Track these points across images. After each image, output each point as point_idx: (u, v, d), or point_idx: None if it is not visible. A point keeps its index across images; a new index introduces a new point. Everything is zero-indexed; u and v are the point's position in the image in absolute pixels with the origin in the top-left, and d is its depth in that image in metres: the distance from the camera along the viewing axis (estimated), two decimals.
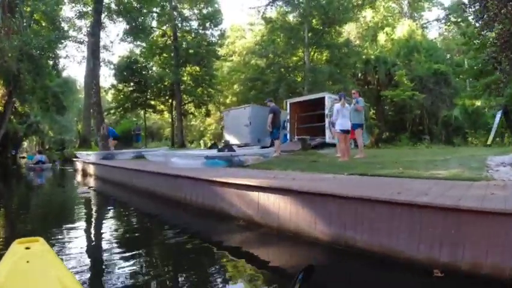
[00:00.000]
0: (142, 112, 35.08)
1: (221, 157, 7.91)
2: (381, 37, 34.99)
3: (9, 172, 19.07)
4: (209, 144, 20.03)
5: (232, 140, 18.93)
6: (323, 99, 16.40)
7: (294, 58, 27.95)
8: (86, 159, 14.19)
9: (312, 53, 24.86)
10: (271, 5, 23.52)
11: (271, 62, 27.73)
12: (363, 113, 10.68)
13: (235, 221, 4.79)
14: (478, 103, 25.79)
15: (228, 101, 39.40)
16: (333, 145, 16.04)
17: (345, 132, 9.57)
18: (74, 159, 16.39)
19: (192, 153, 8.75)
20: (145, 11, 21.19)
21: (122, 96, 30.73)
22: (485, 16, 13.63)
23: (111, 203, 7.73)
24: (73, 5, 19.96)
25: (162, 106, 33.86)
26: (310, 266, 2.12)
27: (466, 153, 9.67)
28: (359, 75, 27.05)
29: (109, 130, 15.70)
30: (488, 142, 14.46)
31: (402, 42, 31.50)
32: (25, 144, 43.91)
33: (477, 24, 14.77)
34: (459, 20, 40.23)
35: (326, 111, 16.00)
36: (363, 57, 27.28)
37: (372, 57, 28.34)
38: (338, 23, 23.63)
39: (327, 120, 15.89)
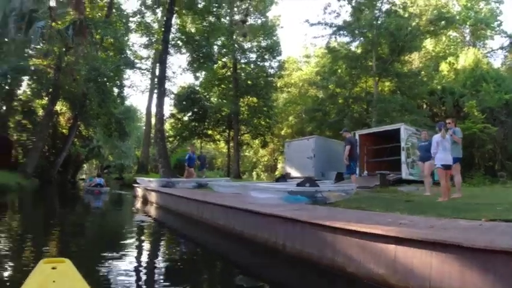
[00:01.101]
0: (199, 141, 35.50)
1: (303, 193, 6.83)
2: (444, 67, 32.95)
3: (67, 193, 19.26)
4: (276, 177, 19.04)
5: (294, 172, 17.94)
6: (398, 130, 14.93)
7: (357, 89, 26.75)
8: (148, 185, 13.67)
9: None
10: (337, 34, 22.69)
11: (332, 92, 26.72)
12: (461, 146, 9.21)
13: (355, 280, 3.61)
14: None
15: (282, 132, 38.70)
16: (410, 182, 14.53)
17: (447, 167, 8.12)
18: (134, 184, 15.97)
19: (271, 187, 7.74)
20: (212, 40, 21.33)
21: (180, 125, 31.10)
22: None
23: (171, 234, 7.19)
24: (141, 33, 20.52)
25: (218, 136, 33.77)
26: None
27: None
28: (424, 106, 25.27)
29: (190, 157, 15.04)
30: None
31: (468, 72, 29.32)
32: (85, 167, 45.77)
33: None
34: None
35: (402, 144, 14.58)
36: (428, 87, 25.57)
37: (438, 87, 26.59)
38: (407, 51, 22.24)
39: (403, 154, 14.47)
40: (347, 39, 24.80)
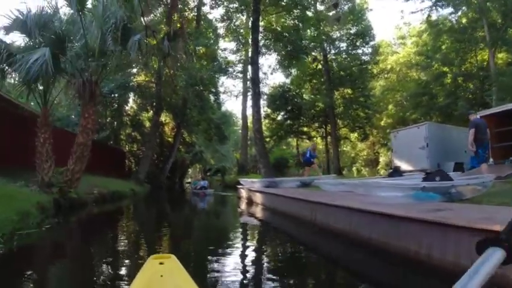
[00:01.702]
0: (295, 139, 35.20)
1: (436, 189, 5.74)
2: None
3: (175, 196, 20.46)
4: (387, 171, 17.57)
5: (404, 165, 16.27)
6: None
7: (466, 65, 23.44)
8: (251, 186, 13.57)
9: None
10: (437, 6, 19.98)
11: (438, 72, 23.88)
12: None
13: None
14: None
15: (382, 123, 36.12)
16: None
17: None
18: (238, 186, 16.13)
19: (398, 184, 6.78)
20: (302, 32, 20.64)
21: (275, 124, 31.05)
22: None
23: (279, 236, 6.68)
24: (230, 38, 20.81)
25: (314, 132, 32.94)
26: None
27: None
28: None
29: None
30: None
31: None
32: (190, 171, 48.90)
33: None
34: None
35: None
36: None
37: None
38: None
39: None
40: (448, 10, 21.96)
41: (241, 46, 22.34)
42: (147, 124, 28.79)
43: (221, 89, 29.48)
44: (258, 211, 10.35)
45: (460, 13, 22.16)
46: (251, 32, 17.71)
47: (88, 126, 9.81)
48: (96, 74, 10.04)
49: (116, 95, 22.17)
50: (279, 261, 4.78)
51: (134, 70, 22.64)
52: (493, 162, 13.81)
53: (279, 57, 23.37)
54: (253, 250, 5.49)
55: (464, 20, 21.51)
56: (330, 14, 21.42)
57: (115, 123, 25.52)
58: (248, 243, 6.12)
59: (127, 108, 28.19)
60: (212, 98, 26.83)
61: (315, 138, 33.95)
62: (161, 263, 2.09)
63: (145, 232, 7.44)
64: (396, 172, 11.50)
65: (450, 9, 22.32)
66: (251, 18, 17.83)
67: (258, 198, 11.28)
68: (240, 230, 7.60)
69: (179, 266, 2.11)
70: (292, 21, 20.61)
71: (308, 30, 22.72)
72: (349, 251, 5.09)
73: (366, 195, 6.78)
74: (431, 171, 14.23)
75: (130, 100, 28.21)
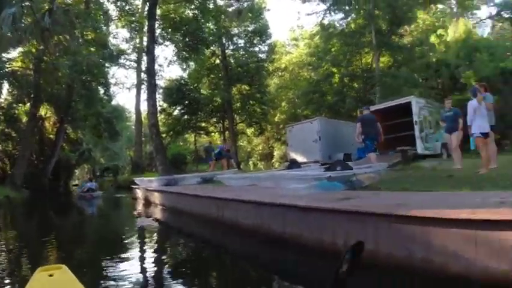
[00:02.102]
0: (193, 135, 34.27)
1: (341, 178, 5.86)
2: (434, 40, 32.21)
3: (60, 201, 18.01)
4: (283, 164, 18.11)
5: (299, 158, 17.01)
6: (408, 104, 14.06)
7: (352, 67, 25.77)
8: (149, 186, 12.53)
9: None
10: (331, 10, 21.51)
11: (328, 72, 25.72)
12: (493, 112, 8.37)
13: (462, 280, 2.72)
14: None
15: (276, 119, 37.68)
16: (425, 157, 13.74)
17: (486, 135, 7.30)
18: (133, 186, 14.79)
19: (302, 175, 6.74)
20: (202, 21, 19.76)
21: (172, 119, 29.77)
22: None
23: (181, 237, 6.22)
24: (123, 23, 18.94)
25: (212, 127, 32.62)
26: (359, 243, 2.09)
27: None
28: (420, 80, 24.58)
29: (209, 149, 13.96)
30: None
31: (460, 43, 28.76)
32: (77, 172, 44.11)
33: None
34: None
35: (415, 118, 13.75)
36: (424, 60, 24.89)
37: (433, 60, 25.94)
38: (405, 22, 21.25)
39: (416, 128, 13.64)
40: (339, 16, 23.89)
41: (136, 33, 20.57)
42: (24, 119, 24.71)
43: (112, 81, 26.90)
44: (158, 212, 9.56)
45: (349, 19, 24.31)
46: (147, 18, 16.38)
47: None
48: None
49: None
50: (183, 263, 4.44)
51: (9, 55, 19.17)
52: (378, 152, 15.34)
53: (177, 49, 22.23)
54: (154, 254, 5.03)
55: (353, 26, 23.46)
56: (230, 9, 21.39)
57: None
58: (147, 247, 5.59)
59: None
60: (101, 89, 24.43)
61: (213, 134, 33.72)
62: (50, 275, 1.96)
63: (27, 244, 6.39)
64: (294, 164, 11.85)
65: (341, 15, 24.40)
66: (147, 4, 16.51)
67: (156, 198, 10.43)
68: (138, 234, 6.84)
69: (71, 277, 2.00)
70: (192, 12, 19.69)
71: (208, 23, 22.04)
72: (261, 246, 4.82)
73: (271, 188, 6.64)
74: (327, 162, 15.18)
75: (4, 91, 23.86)
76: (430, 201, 3.71)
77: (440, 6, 36.76)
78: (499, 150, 9.49)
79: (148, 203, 11.44)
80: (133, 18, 18.88)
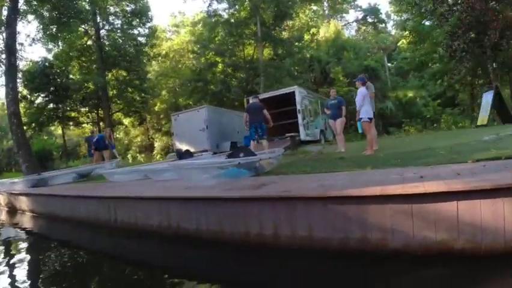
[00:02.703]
0: (60, 127, 29.95)
1: (245, 165, 5.57)
2: (306, 38, 35.19)
3: None
4: (170, 155, 17.04)
5: (185, 147, 16.46)
6: (292, 94, 14.77)
7: (235, 57, 26.06)
8: (12, 189, 10.22)
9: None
10: None
11: (212, 61, 25.43)
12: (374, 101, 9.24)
13: (402, 255, 2.74)
14: (410, 94, 27.26)
15: (156, 108, 35.93)
16: (307, 142, 14.63)
17: (371, 120, 7.96)
18: None
19: (207, 163, 6.18)
20: None
21: (34, 109, 25.42)
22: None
23: (66, 248, 5.01)
24: None
25: (84, 118, 29.01)
26: None
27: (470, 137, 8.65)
28: (295, 73, 26.56)
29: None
30: (484, 122, 14.07)
31: (330, 42, 32.16)
32: None
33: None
34: (375, 20, 43.75)
35: (298, 107, 14.56)
36: (300, 55, 26.88)
37: (307, 55, 28.27)
38: (288, 17, 22.27)
39: (299, 116, 14.47)
40: (224, 5, 23.83)
41: None
42: None
43: None
44: (27, 221, 7.86)
45: (233, 10, 24.38)
46: None
47: None
48: None
49: None
50: (64, 276, 3.74)
51: None
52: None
53: (43, 24, 18.75)
54: (26, 267, 4.18)
55: (238, 16, 23.53)
56: None
57: None
58: (16, 261, 4.47)
59: None
60: None
61: (85, 124, 30.21)
62: None
63: None
64: (186, 154, 11.21)
65: (225, 5, 24.30)
66: None
67: (24, 203, 8.56)
68: (3, 247, 5.51)
69: None
70: None
71: None
72: (169, 248, 4.20)
73: (171, 180, 6.00)
74: (215, 150, 14.97)
75: None
76: (348, 181, 3.69)
77: (314, 7, 40.14)
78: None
79: (13, 210, 9.36)
80: None
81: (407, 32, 23.28)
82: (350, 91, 22.26)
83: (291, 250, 3.26)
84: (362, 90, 7.93)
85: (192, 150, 15.86)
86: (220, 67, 26.30)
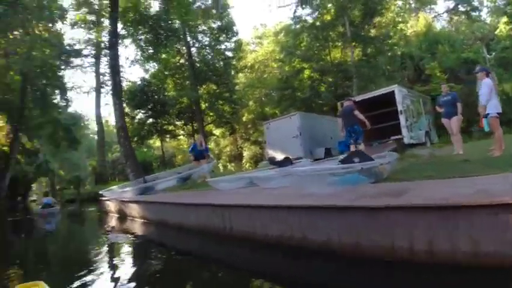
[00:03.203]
0: (158, 140, 32.50)
1: (365, 171, 5.03)
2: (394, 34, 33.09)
3: (17, 219, 15.90)
4: (265, 163, 17.16)
5: (278, 155, 16.23)
6: (392, 93, 13.60)
7: (323, 61, 25.43)
8: (122, 197, 11.05)
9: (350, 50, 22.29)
10: (303, 2, 20.81)
11: (297, 68, 25.20)
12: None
13: None
14: None
15: (244, 119, 36.84)
16: (412, 146, 13.36)
17: (500, 115, 6.80)
18: (102, 198, 13.12)
19: (312, 170, 5.80)
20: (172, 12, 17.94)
21: (136, 124, 27.93)
22: None
23: (174, 255, 5.09)
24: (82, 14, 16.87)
25: (180, 130, 31.11)
26: None
27: None
28: (386, 73, 24.86)
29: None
30: None
31: (421, 36, 29.58)
32: (34, 186, 40.79)
33: None
34: (468, 8, 39.29)
35: (400, 107, 13.33)
36: (392, 53, 25.19)
37: (398, 53, 26.35)
38: (377, 14, 21.04)
39: (402, 118, 13.24)
40: (307, 11, 23.57)
41: (94, 30, 18.51)
42: None
43: (68, 85, 24.65)
44: (137, 227, 8.28)
45: (316, 13, 24.01)
46: (110, 7, 14.81)
47: None
48: None
49: None
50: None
51: None
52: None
53: (139, 47, 20.49)
54: (134, 268, 4.47)
55: (325, 18, 23.01)
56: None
57: None
58: (126, 262, 4.89)
59: None
60: (57, 94, 22.31)
61: (181, 137, 32.27)
62: None
63: None
64: (286, 161, 10.94)
65: (309, 10, 24.05)
66: None
67: (134, 210, 9.07)
68: (113, 249, 5.95)
69: None
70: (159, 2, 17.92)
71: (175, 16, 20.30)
72: (295, 262, 3.83)
73: (277, 188, 5.70)
74: (299, 158, 14.51)
75: None
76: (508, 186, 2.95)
77: (399, 2, 37.82)
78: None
79: (124, 216, 10.04)
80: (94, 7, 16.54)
81: (505, 19, 20.20)
82: (451, 88, 20.09)
83: (448, 266, 2.68)
84: (487, 82, 6.78)
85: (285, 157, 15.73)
86: (307, 73, 25.93)
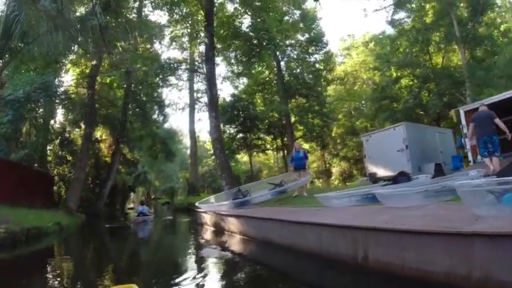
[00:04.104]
0: (246, 155, 32.73)
1: None
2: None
3: (115, 227, 16.61)
4: (367, 178, 15.79)
5: (380, 171, 14.65)
6: None
7: (425, 67, 23.05)
8: (219, 209, 10.55)
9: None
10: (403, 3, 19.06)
11: (395, 76, 23.18)
12: None
13: None
14: None
15: (333, 133, 35.22)
16: None
17: None
18: (198, 210, 12.85)
19: (479, 184, 4.50)
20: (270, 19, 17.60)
21: (227, 138, 28.29)
22: None
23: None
24: (181, 27, 17.32)
25: (268, 145, 30.94)
26: None
27: None
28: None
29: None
30: None
31: None
32: (132, 195, 44.05)
33: None
34: None
35: None
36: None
37: None
38: (488, 9, 18.30)
39: None
40: (402, 14, 21.75)
41: (188, 47, 18.99)
42: (79, 142, 23.57)
43: (165, 102, 26.08)
44: (237, 243, 7.57)
45: (411, 18, 22.05)
46: (206, 22, 15.00)
47: None
48: None
49: (39, 102, 17.01)
50: None
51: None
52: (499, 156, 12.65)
53: (232, 63, 20.67)
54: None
55: (425, 20, 20.95)
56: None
57: (40, 140, 20.39)
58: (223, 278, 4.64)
59: (53, 122, 23.23)
60: (156, 110, 23.52)
61: (269, 151, 32.00)
62: None
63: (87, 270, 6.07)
64: (402, 176, 9.43)
65: (403, 14, 22.19)
66: (203, 10, 15.07)
67: (233, 225, 8.40)
68: (208, 263, 5.74)
69: None
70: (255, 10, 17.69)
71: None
72: None
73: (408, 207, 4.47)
74: (417, 174, 12.64)
75: (59, 114, 23.55)
76: None
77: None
78: None
79: (220, 230, 9.49)
80: (191, 19, 16.76)
81: None
82: None
83: None
84: None
85: (388, 173, 14.04)
86: (406, 81, 23.77)
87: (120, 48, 13.53)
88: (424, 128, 16.18)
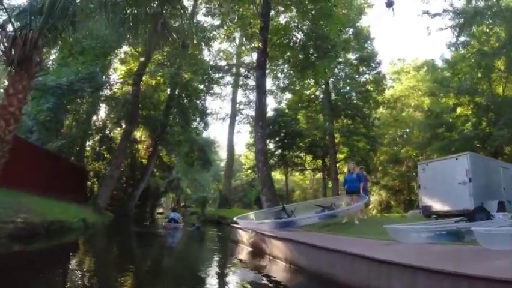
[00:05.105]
0: (283, 173, 31.62)
1: None
2: None
3: (144, 230, 15.92)
4: (419, 210, 14.40)
5: (437, 204, 13.23)
6: None
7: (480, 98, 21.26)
8: (260, 228, 9.24)
9: None
10: (474, 22, 17.48)
11: (454, 102, 21.51)
12: None
13: None
14: None
15: (375, 160, 33.43)
16: None
17: None
18: (234, 225, 11.67)
19: None
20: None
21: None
22: None
23: None
24: (234, 27, 16.60)
25: (308, 164, 29.66)
26: None
27: None
28: None
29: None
30: None
31: None
32: (163, 200, 43.84)
33: None
34: None
35: None
36: None
37: None
38: None
39: None
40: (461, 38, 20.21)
41: (247, 39, 18.00)
42: (118, 141, 23.98)
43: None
44: (280, 271, 6.42)
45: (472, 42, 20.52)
46: (261, 27, 14.35)
47: (11, 108, 5.90)
48: (37, 30, 6.24)
49: (83, 93, 16.32)
50: None
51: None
52: None
53: (287, 68, 19.92)
54: None
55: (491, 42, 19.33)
56: None
57: (80, 133, 20.23)
58: None
59: (95, 118, 23.36)
60: (197, 117, 23.07)
61: (308, 172, 30.72)
62: None
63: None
64: (481, 213, 7.96)
65: (463, 38, 20.62)
66: (259, 16, 14.40)
67: (277, 249, 7.26)
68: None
69: None
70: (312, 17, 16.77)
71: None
72: None
73: None
74: (465, 210, 11.01)
75: (102, 112, 23.72)
76: None
77: None
78: None
79: (259, 252, 8.35)
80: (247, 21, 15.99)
81: None
82: None
83: None
84: None
85: (446, 208, 12.55)
86: (463, 109, 22.06)
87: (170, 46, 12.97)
88: (490, 161, 14.58)
